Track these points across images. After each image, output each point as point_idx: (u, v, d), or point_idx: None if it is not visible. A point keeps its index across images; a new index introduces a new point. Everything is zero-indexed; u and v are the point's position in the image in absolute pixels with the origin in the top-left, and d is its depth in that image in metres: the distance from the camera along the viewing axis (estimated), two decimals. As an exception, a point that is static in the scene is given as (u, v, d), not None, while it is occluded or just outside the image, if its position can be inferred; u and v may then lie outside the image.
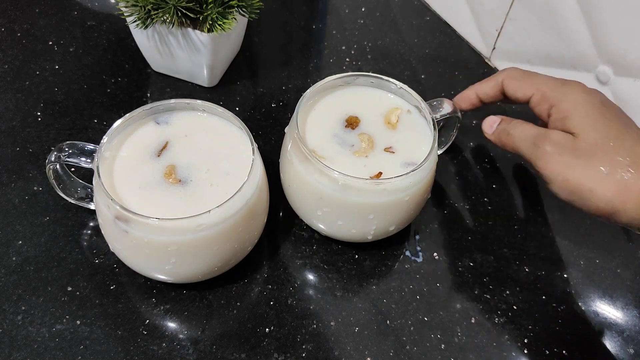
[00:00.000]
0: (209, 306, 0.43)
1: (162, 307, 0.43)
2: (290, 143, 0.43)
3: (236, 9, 0.52)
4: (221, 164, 0.42)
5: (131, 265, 0.42)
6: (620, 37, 0.49)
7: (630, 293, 0.47)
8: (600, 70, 0.52)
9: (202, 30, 0.51)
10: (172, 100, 0.43)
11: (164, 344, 0.41)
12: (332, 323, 0.43)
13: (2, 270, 0.44)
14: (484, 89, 0.48)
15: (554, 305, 0.46)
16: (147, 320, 0.42)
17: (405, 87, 0.46)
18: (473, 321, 0.44)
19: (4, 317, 0.41)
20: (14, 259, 0.44)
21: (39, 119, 0.54)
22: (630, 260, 0.49)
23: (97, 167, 0.39)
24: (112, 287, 0.44)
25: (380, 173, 0.42)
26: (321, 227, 0.45)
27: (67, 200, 0.45)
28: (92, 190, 0.44)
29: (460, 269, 0.47)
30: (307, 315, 0.44)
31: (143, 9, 0.50)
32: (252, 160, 0.40)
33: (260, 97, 0.59)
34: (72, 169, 0.45)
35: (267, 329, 0.43)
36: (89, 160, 0.41)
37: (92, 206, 0.46)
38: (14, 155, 0.51)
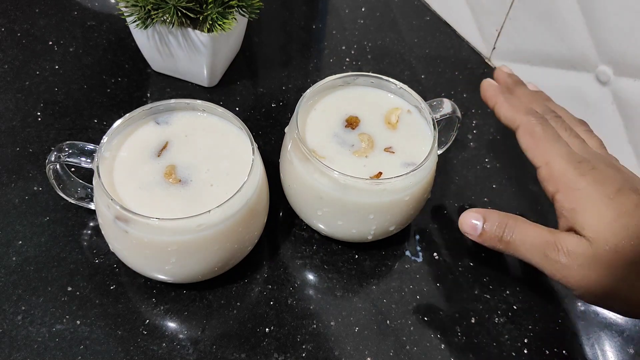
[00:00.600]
0: (209, 306, 0.43)
1: (162, 307, 0.43)
2: (290, 143, 0.43)
3: (236, 9, 0.52)
4: (221, 164, 0.42)
5: (131, 265, 0.42)
6: (620, 37, 0.49)
7: (630, 293, 0.47)
8: (600, 70, 0.52)
9: (202, 30, 0.51)
10: (172, 100, 0.43)
11: (164, 344, 0.41)
12: (332, 323, 0.44)
13: (2, 270, 0.44)
14: (500, 112, 0.43)
15: (554, 305, 0.46)
16: (147, 320, 0.42)
17: (405, 87, 0.46)
18: (473, 321, 0.44)
19: (4, 317, 0.41)
20: (14, 259, 0.44)
21: (39, 119, 0.54)
22: (630, 260, 0.49)
23: (97, 167, 0.39)
24: (112, 287, 0.44)
25: (380, 173, 0.42)
26: (321, 227, 0.45)
27: (67, 200, 0.45)
28: (92, 190, 0.44)
29: (460, 269, 0.47)
30: (307, 315, 0.44)
31: (143, 9, 0.50)
32: (252, 160, 0.40)
33: (260, 97, 0.59)
34: (72, 169, 0.45)
35: (267, 329, 0.43)
36: (89, 160, 0.41)
37: (92, 206, 0.46)
38: (14, 155, 0.51)
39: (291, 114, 0.44)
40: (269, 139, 0.55)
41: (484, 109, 0.60)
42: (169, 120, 0.44)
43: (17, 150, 0.51)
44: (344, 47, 0.65)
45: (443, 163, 0.55)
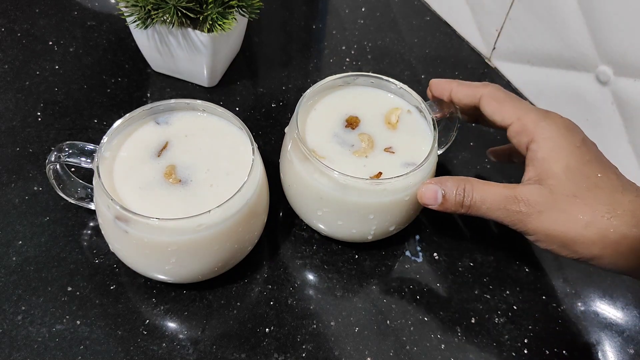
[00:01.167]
0: (209, 306, 0.43)
1: (162, 307, 0.43)
2: (290, 143, 0.43)
3: (236, 9, 0.52)
4: (221, 164, 0.42)
5: (131, 265, 0.42)
6: (620, 37, 0.49)
7: (630, 293, 0.47)
8: (600, 70, 0.52)
9: (202, 30, 0.51)
10: (172, 100, 0.43)
11: (164, 344, 0.41)
12: (332, 323, 0.43)
13: (2, 270, 0.44)
14: (459, 93, 0.45)
15: (554, 305, 0.46)
16: (147, 320, 0.42)
17: (405, 87, 0.46)
18: (473, 321, 0.44)
19: (4, 317, 0.41)
20: (14, 259, 0.44)
21: (39, 119, 0.54)
22: (630, 260, 0.49)
23: (97, 167, 0.39)
24: (112, 287, 0.44)
25: (380, 173, 0.42)
26: (321, 227, 0.45)
27: (67, 200, 0.45)
28: (92, 190, 0.44)
29: (460, 269, 0.47)
30: (307, 315, 0.44)
31: (143, 9, 0.50)
32: (252, 160, 0.40)
33: (260, 97, 0.59)
34: (72, 169, 0.45)
35: (267, 329, 0.43)
36: (89, 160, 0.41)
37: (92, 206, 0.46)
38: (14, 155, 0.51)
39: (291, 114, 0.44)
40: (269, 139, 0.55)
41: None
42: (169, 120, 0.44)
43: (17, 150, 0.51)
44: (344, 47, 0.65)
45: (443, 163, 0.55)
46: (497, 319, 0.45)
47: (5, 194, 0.48)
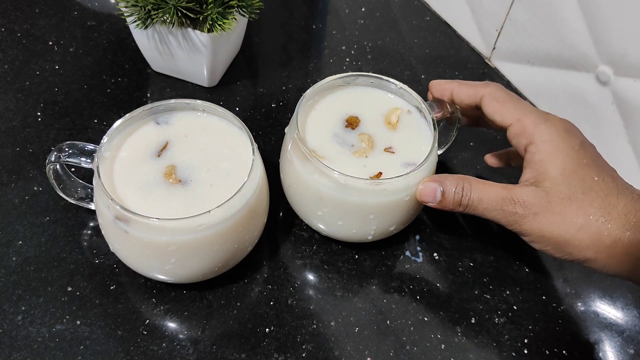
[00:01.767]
0: (209, 306, 0.43)
1: (162, 307, 0.43)
2: (290, 143, 0.43)
3: (236, 9, 0.52)
4: (221, 164, 0.42)
5: (131, 266, 0.42)
6: (620, 37, 0.49)
7: (630, 293, 0.47)
8: (600, 70, 0.52)
9: (202, 31, 0.51)
10: (172, 100, 0.43)
11: (164, 344, 0.41)
12: (332, 323, 0.43)
13: (2, 270, 0.44)
14: (461, 93, 0.45)
15: (554, 305, 0.46)
16: (147, 320, 0.42)
17: (405, 87, 0.46)
18: (473, 321, 0.44)
19: (4, 317, 0.41)
20: (14, 259, 0.44)
21: (39, 119, 0.54)
22: (630, 260, 0.49)
23: (97, 167, 0.39)
24: (112, 287, 0.44)
25: (380, 173, 0.42)
26: (321, 227, 0.45)
27: (67, 200, 0.45)
28: (92, 190, 0.44)
29: (460, 269, 0.47)
30: (307, 315, 0.44)
31: (143, 9, 0.50)
32: (252, 160, 0.40)
33: (260, 97, 0.59)
34: (72, 169, 0.45)
35: (267, 329, 0.43)
36: (89, 160, 0.41)
37: (92, 206, 0.46)
38: (14, 155, 0.51)
39: (291, 114, 0.44)
40: (269, 139, 0.55)
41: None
42: (169, 120, 0.44)
43: (17, 150, 0.51)
44: (344, 47, 0.65)
45: (443, 163, 0.55)
46: (497, 319, 0.45)
47: (5, 194, 0.48)
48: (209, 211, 0.37)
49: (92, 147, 0.41)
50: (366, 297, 0.45)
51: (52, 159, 0.41)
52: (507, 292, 0.46)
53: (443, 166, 0.54)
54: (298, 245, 0.48)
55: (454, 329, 0.44)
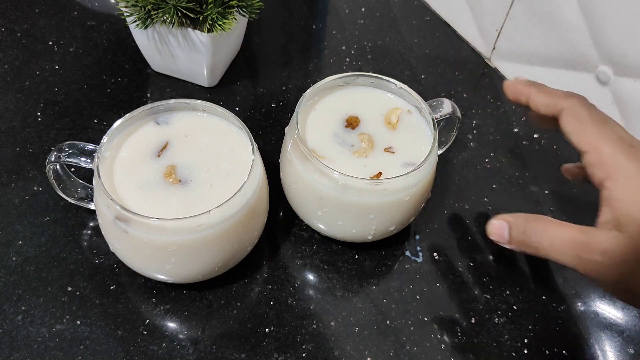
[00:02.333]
0: (209, 306, 0.43)
1: (162, 307, 0.43)
2: (290, 143, 0.43)
3: (236, 9, 0.52)
4: (221, 164, 0.42)
5: (131, 266, 0.42)
6: (620, 37, 0.49)
7: (630, 293, 0.47)
8: (600, 70, 0.52)
9: (202, 30, 0.51)
10: (172, 100, 0.43)
11: (164, 344, 0.41)
12: (332, 323, 0.44)
13: (2, 270, 0.44)
14: (538, 101, 0.40)
15: (554, 305, 0.46)
16: (147, 320, 0.42)
17: (405, 87, 0.46)
18: (473, 321, 0.44)
19: (4, 317, 0.41)
20: (14, 259, 0.44)
21: (39, 119, 0.54)
22: (630, 260, 0.49)
23: (97, 167, 0.39)
24: (112, 287, 0.44)
25: (380, 173, 0.42)
26: (321, 227, 0.45)
27: (67, 200, 0.45)
28: (92, 190, 0.44)
29: (460, 269, 0.47)
30: (307, 315, 0.44)
31: (143, 9, 0.50)
32: (252, 160, 0.40)
33: (260, 97, 0.59)
34: (72, 169, 0.45)
35: (267, 329, 0.43)
36: (89, 160, 0.41)
37: (92, 206, 0.46)
38: (14, 155, 0.51)
39: (291, 114, 0.44)
40: (269, 139, 0.55)
41: (484, 109, 0.60)
42: (169, 120, 0.44)
43: (17, 150, 0.51)
44: (344, 47, 0.65)
45: (443, 163, 0.55)
46: (497, 319, 0.45)
47: (5, 194, 0.48)
48: (209, 211, 0.37)
49: (92, 147, 0.41)
50: (366, 297, 0.45)
51: (52, 159, 0.41)
52: (507, 292, 0.46)
53: (443, 166, 0.54)
54: (298, 245, 0.48)
55: (454, 329, 0.44)
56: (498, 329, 0.44)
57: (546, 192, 0.53)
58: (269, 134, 0.56)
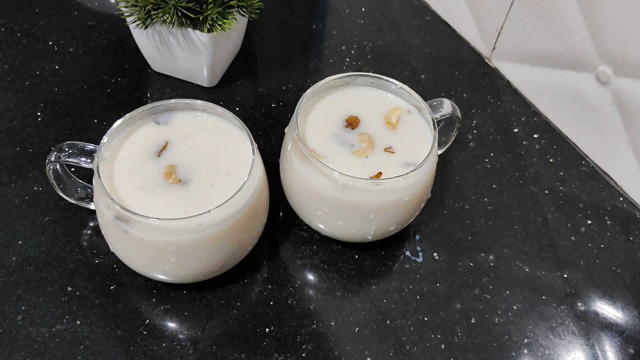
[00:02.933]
0: (209, 306, 0.43)
1: (162, 307, 0.43)
2: (290, 143, 0.43)
3: (236, 9, 0.52)
4: (221, 164, 0.42)
5: (131, 265, 0.42)
6: (620, 37, 0.49)
7: (630, 293, 0.47)
8: (600, 70, 0.52)
9: (202, 30, 0.51)
10: (172, 100, 0.43)
11: (164, 344, 0.41)
12: (332, 323, 0.44)
13: (2, 270, 0.44)
14: None
15: (554, 305, 0.46)
16: (147, 320, 0.42)
17: (405, 87, 0.46)
18: (473, 321, 0.44)
19: (4, 317, 0.41)
20: (14, 259, 0.44)
21: (39, 119, 0.54)
22: (630, 260, 0.49)
23: (97, 167, 0.39)
24: (112, 287, 0.44)
25: (380, 173, 0.42)
26: (321, 227, 0.45)
27: (67, 200, 0.45)
28: (92, 190, 0.44)
29: (460, 269, 0.47)
30: (307, 315, 0.44)
31: (143, 9, 0.50)
32: (252, 160, 0.40)
33: (260, 97, 0.59)
34: (72, 169, 0.45)
35: (267, 329, 0.43)
36: (89, 160, 0.41)
37: (92, 206, 0.46)
38: (14, 155, 0.51)
39: (291, 114, 0.44)
40: (269, 139, 0.55)
41: (484, 109, 0.60)
42: (169, 120, 0.44)
43: (17, 150, 0.51)
44: (344, 47, 0.65)
45: (443, 163, 0.55)
46: (497, 319, 0.45)
47: (5, 194, 0.48)
48: (209, 211, 0.37)
49: (92, 147, 0.41)
50: (366, 297, 0.45)
51: (52, 159, 0.41)
52: (507, 292, 0.46)
53: (443, 166, 0.54)
54: (298, 245, 0.48)
55: (454, 329, 0.44)
56: (498, 329, 0.44)
57: (546, 192, 0.53)
58: (269, 134, 0.56)
